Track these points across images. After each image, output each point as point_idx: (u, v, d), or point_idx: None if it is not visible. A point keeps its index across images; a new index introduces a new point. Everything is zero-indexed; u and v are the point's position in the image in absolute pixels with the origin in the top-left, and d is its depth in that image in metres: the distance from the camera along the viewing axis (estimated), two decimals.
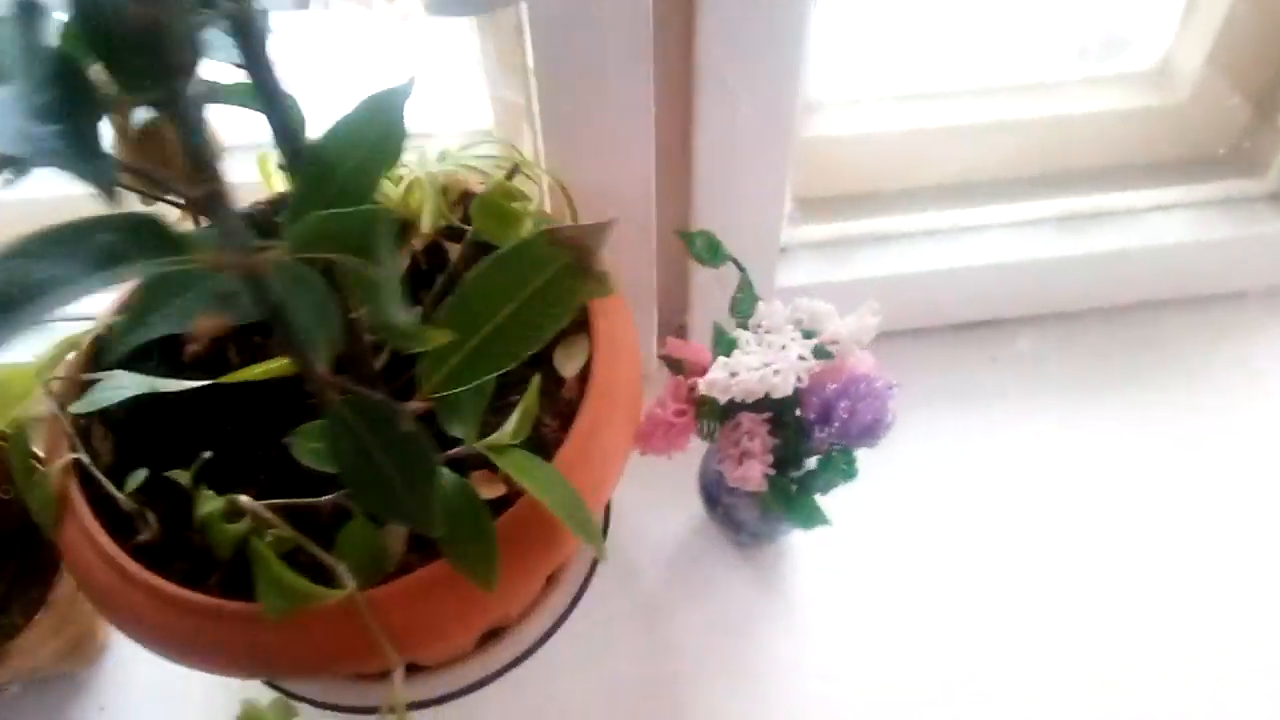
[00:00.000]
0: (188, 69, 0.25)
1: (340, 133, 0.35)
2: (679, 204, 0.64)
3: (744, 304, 0.58)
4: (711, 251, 0.58)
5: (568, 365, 0.51)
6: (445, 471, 0.44)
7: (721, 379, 0.52)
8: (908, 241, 0.74)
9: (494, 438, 0.44)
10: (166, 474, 0.47)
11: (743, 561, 0.68)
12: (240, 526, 0.45)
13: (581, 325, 0.52)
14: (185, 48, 0.25)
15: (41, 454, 0.50)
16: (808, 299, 0.56)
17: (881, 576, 0.67)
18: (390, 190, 0.52)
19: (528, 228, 0.49)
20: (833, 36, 0.68)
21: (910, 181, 0.75)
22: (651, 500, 0.70)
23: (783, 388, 0.52)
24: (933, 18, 0.72)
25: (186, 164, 0.31)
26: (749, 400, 0.53)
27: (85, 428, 0.50)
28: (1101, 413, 0.74)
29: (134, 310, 0.28)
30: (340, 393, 0.32)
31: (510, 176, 0.49)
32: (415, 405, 0.31)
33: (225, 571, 0.46)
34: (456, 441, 0.44)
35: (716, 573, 0.68)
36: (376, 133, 0.36)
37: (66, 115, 0.22)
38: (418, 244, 0.53)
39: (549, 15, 0.51)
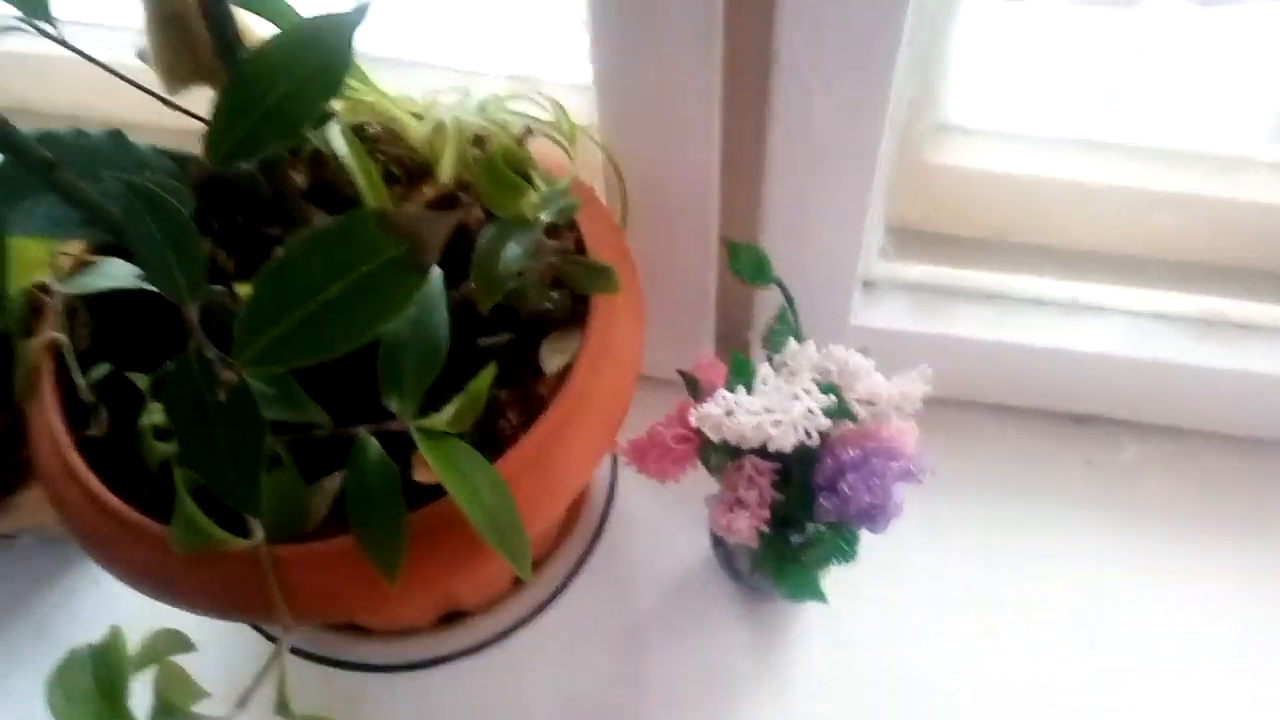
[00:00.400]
0: None
1: (274, 54, 0.32)
2: (746, 208, 0.58)
3: (777, 336, 0.53)
4: (756, 269, 0.53)
5: (552, 360, 0.47)
6: (373, 444, 0.41)
7: (715, 415, 0.47)
8: (1017, 306, 0.65)
9: (428, 420, 0.41)
10: (126, 373, 0.47)
11: (746, 611, 0.62)
12: (169, 447, 0.44)
13: (580, 320, 0.48)
14: None
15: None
16: (843, 348, 0.50)
17: (901, 677, 0.60)
18: (414, 127, 0.49)
19: (532, 201, 0.44)
20: (985, 58, 0.61)
21: (1036, 237, 0.66)
22: (667, 512, 0.65)
23: (780, 442, 0.46)
24: (1111, 61, 0.63)
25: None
26: (744, 446, 0.47)
27: (72, 308, 0.49)
28: (1203, 552, 0.63)
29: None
30: (192, 342, 0.29)
31: (522, 140, 0.45)
32: (228, 375, 0.28)
33: (156, 486, 0.45)
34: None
35: (714, 615, 0.62)
36: (314, 61, 0.32)
37: None
38: (430, 192, 0.50)
39: None
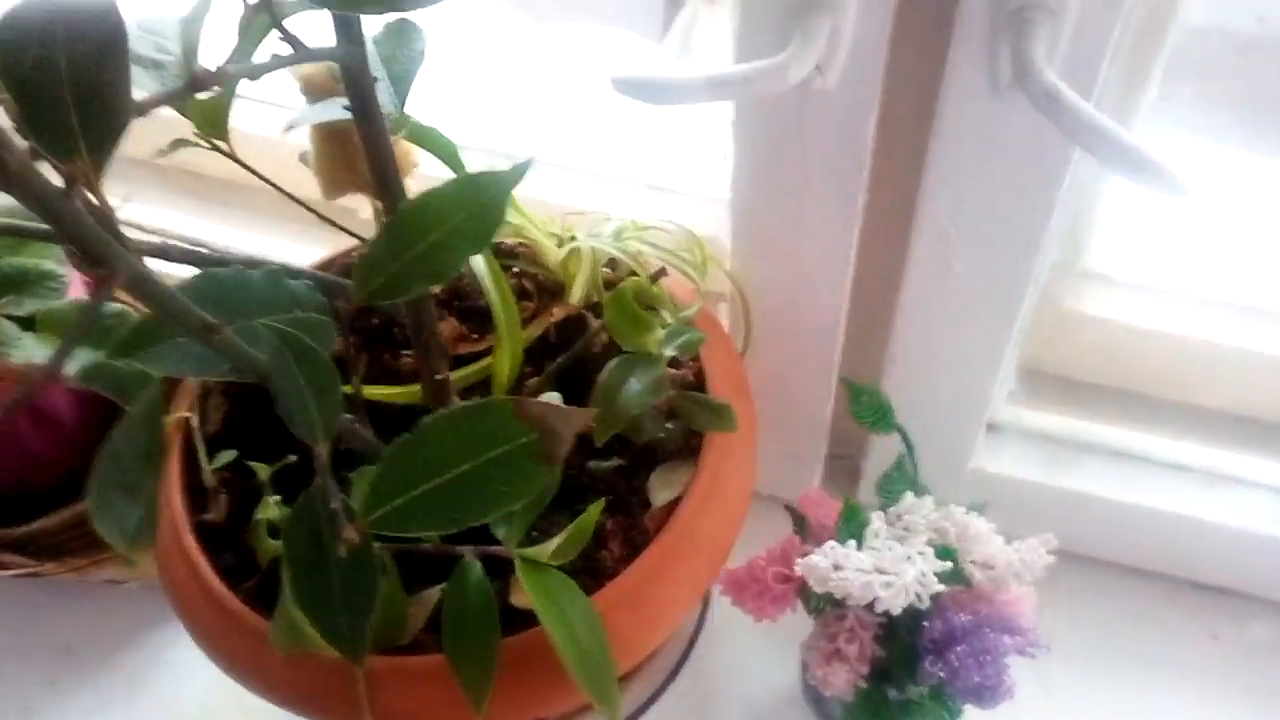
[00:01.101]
0: None
1: (431, 203, 0.33)
2: (870, 347, 0.57)
3: (894, 486, 0.51)
4: (877, 416, 0.51)
5: (661, 493, 0.46)
6: (476, 568, 0.41)
7: (822, 568, 0.45)
8: (1152, 468, 0.62)
9: (532, 550, 0.41)
10: (248, 462, 0.48)
11: None
12: (279, 545, 0.44)
13: (692, 452, 0.47)
14: None
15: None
16: (962, 510, 0.48)
17: None
18: (550, 249, 0.50)
19: (657, 337, 0.44)
20: (1134, 210, 0.58)
21: (1177, 395, 0.63)
22: (760, 637, 0.63)
23: (890, 605, 0.44)
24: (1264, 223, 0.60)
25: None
26: (849, 603, 0.46)
27: (207, 390, 0.51)
28: None
29: (121, 344, 0.27)
30: (319, 482, 0.30)
31: (655, 279, 0.45)
32: (349, 532, 0.28)
33: (261, 579, 0.46)
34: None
35: None
36: (467, 212, 0.33)
37: None
38: (559, 312, 0.50)
39: (758, 113, 0.47)
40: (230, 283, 0.31)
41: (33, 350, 0.58)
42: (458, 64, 0.67)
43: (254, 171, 0.40)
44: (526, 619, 0.42)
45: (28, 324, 0.59)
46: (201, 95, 0.36)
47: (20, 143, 0.21)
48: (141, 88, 0.37)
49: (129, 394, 0.26)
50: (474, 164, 0.47)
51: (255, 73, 0.27)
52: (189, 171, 0.77)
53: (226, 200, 0.76)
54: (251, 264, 0.33)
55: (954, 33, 0.41)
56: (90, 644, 0.68)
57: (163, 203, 0.76)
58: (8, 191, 0.21)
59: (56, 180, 0.23)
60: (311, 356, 0.28)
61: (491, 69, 0.70)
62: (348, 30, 0.29)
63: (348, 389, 0.32)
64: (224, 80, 0.25)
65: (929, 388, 0.57)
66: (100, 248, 0.23)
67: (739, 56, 0.45)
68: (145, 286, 0.25)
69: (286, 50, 0.28)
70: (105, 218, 0.24)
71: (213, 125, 0.38)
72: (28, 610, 0.70)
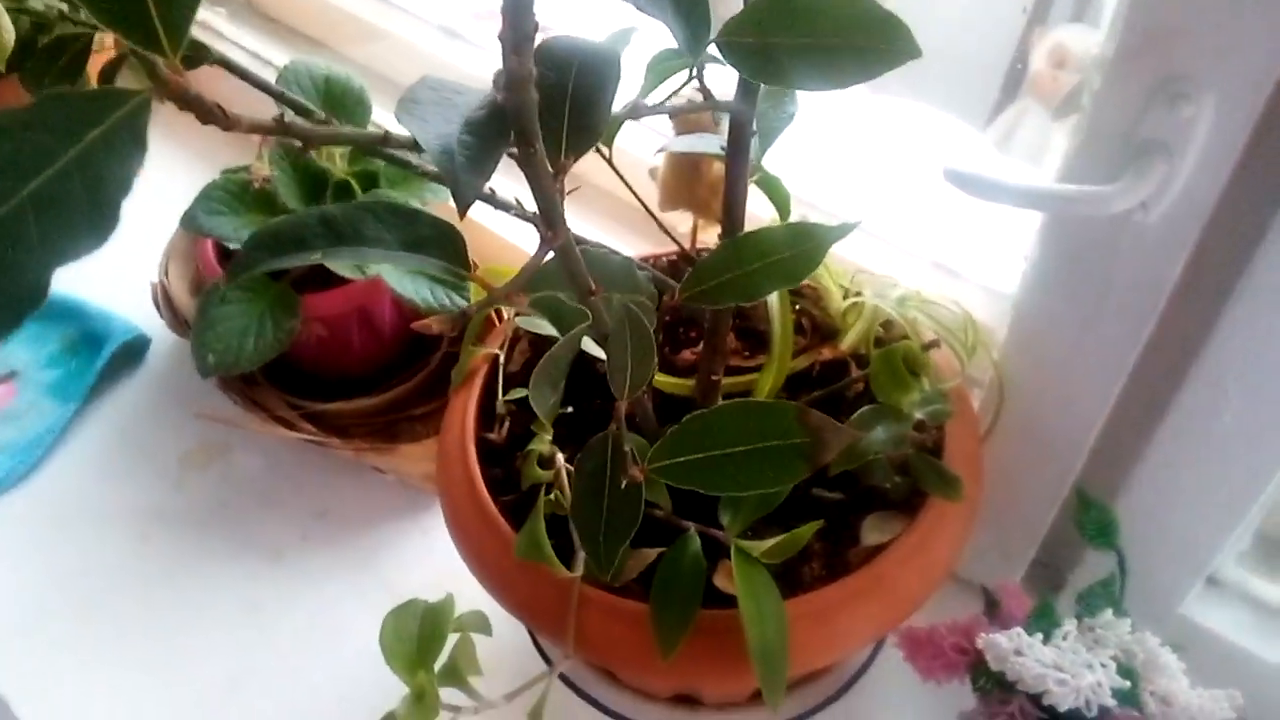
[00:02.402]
0: None
1: (764, 238, 0.39)
2: (1111, 464, 0.59)
3: (1096, 600, 0.53)
4: (1100, 531, 0.53)
5: (871, 535, 0.51)
6: (695, 541, 0.47)
7: (1004, 648, 0.48)
8: None
9: (749, 544, 0.46)
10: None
11: None
12: (544, 474, 0.52)
13: (911, 510, 0.51)
14: None
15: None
16: (1157, 641, 0.49)
17: None
18: (836, 297, 0.55)
19: (912, 399, 0.49)
20: None
21: None
22: (921, 694, 0.65)
23: (1058, 700, 0.47)
24: None
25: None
26: (1019, 687, 0.48)
27: (517, 336, 0.60)
28: None
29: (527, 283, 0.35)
30: (615, 428, 0.37)
31: (927, 348, 0.50)
32: (634, 471, 0.35)
33: (521, 498, 0.54)
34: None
35: None
36: (791, 253, 0.39)
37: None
38: (828, 353, 0.55)
39: (1071, 226, 0.50)
40: (597, 259, 0.39)
41: (384, 268, 0.69)
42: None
43: (625, 181, 0.48)
44: (723, 601, 0.47)
45: None
46: None
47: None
48: None
49: (563, 321, 0.34)
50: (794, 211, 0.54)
51: (676, 111, 0.35)
52: None
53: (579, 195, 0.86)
54: (613, 252, 0.41)
55: None
56: (343, 514, 0.79)
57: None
58: (525, 169, 0.29)
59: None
60: (642, 331, 0.35)
61: (819, 124, 0.76)
62: (747, 92, 0.36)
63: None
64: (651, 114, 0.33)
65: (1160, 524, 0.58)
66: (555, 218, 0.31)
67: (1066, 173, 0.48)
68: (568, 250, 0.33)
69: (694, 94, 0.36)
70: (562, 195, 0.31)
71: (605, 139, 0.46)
72: (304, 472, 0.81)
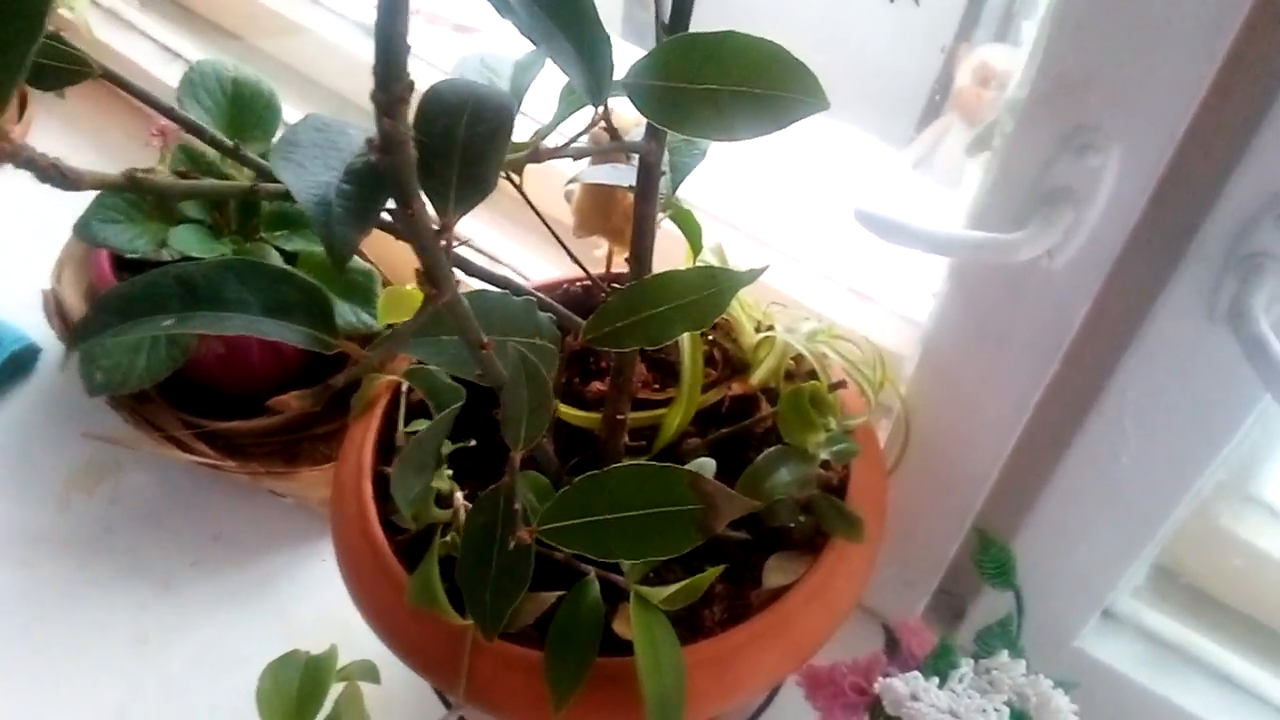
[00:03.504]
0: None
1: (671, 282, 0.38)
2: (1011, 502, 0.59)
3: (992, 640, 0.53)
4: (999, 570, 0.53)
5: (773, 576, 0.50)
6: (594, 587, 0.46)
7: (899, 693, 0.48)
8: (1258, 705, 0.61)
9: (648, 590, 0.45)
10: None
11: None
12: (441, 514, 0.50)
13: (814, 549, 0.51)
14: None
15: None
16: (1051, 685, 0.49)
17: None
18: (747, 333, 0.55)
19: (818, 439, 0.48)
20: None
21: None
22: None
23: None
24: None
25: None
26: None
27: (421, 362, 0.58)
28: None
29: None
30: (509, 480, 0.35)
31: (834, 389, 0.49)
32: (523, 532, 0.33)
33: (414, 537, 0.52)
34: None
35: None
36: (697, 297, 0.38)
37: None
38: (737, 388, 0.55)
39: (979, 267, 0.50)
40: (495, 304, 0.37)
41: None
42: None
43: (534, 208, 0.47)
44: (620, 648, 0.46)
45: (290, 259, 0.68)
46: None
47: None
48: None
49: (440, 401, 0.32)
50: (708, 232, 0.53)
51: (578, 154, 0.33)
52: None
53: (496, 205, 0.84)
54: (516, 291, 0.39)
55: (1186, 254, 0.44)
56: (236, 539, 0.76)
57: None
58: (405, 230, 0.27)
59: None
60: (539, 381, 0.34)
61: (740, 146, 0.75)
62: (655, 133, 0.35)
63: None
64: (554, 157, 0.31)
65: (1057, 559, 0.58)
66: (440, 276, 0.29)
67: (975, 215, 0.48)
68: (455, 307, 0.31)
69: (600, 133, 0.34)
70: (448, 251, 0.30)
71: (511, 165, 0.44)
72: (197, 494, 0.78)
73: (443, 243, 0.29)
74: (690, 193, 0.51)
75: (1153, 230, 0.45)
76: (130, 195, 0.68)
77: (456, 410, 0.32)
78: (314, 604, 0.73)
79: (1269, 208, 0.40)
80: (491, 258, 0.79)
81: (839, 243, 0.72)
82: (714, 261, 0.55)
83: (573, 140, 0.38)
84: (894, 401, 0.60)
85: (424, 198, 0.28)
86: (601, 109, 0.34)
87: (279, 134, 0.36)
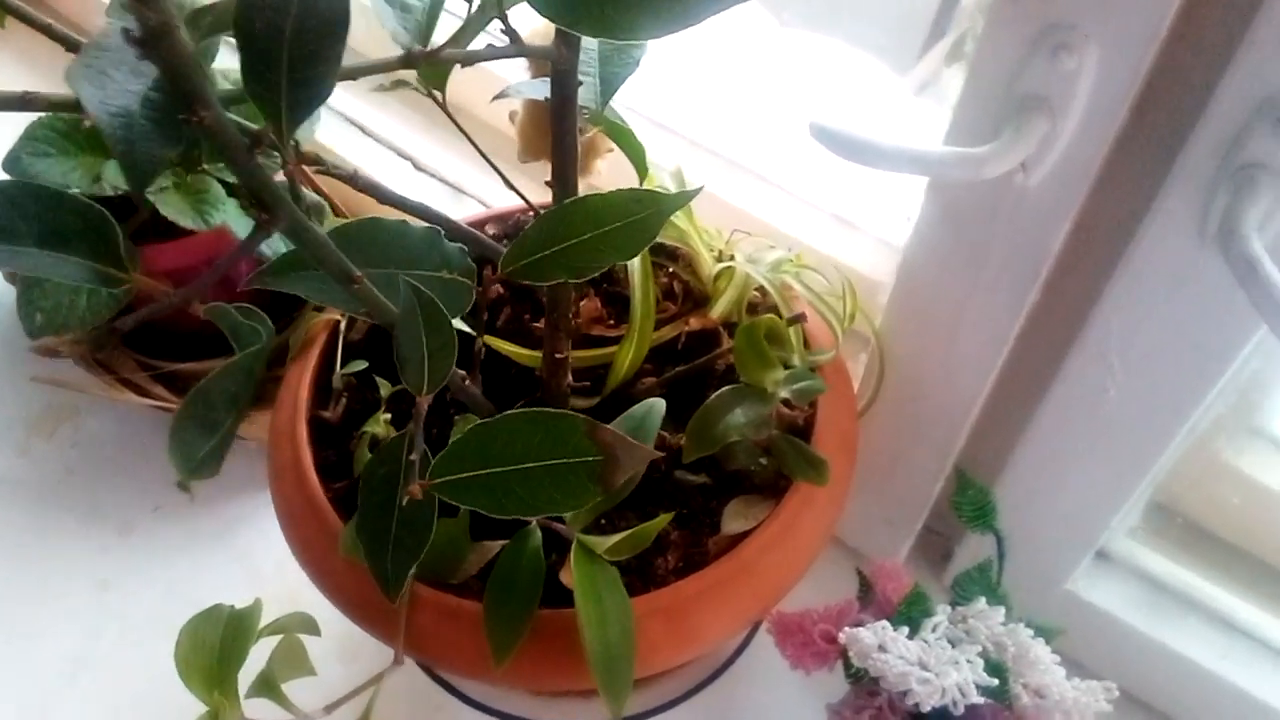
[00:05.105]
0: None
1: (590, 206, 0.34)
2: (994, 442, 0.55)
3: (970, 586, 0.50)
4: (977, 514, 0.50)
5: (732, 522, 0.47)
6: (535, 536, 0.43)
7: (867, 643, 0.45)
8: (1254, 646, 0.58)
9: (591, 539, 0.42)
10: (376, 375, 0.51)
11: None
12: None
13: (777, 493, 0.47)
14: None
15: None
16: (1030, 634, 0.46)
17: None
18: (706, 264, 0.51)
19: (777, 377, 0.44)
20: None
21: None
22: (798, 684, 0.63)
23: (921, 700, 0.44)
24: None
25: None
26: (884, 686, 0.45)
27: None
28: None
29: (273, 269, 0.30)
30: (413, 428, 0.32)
31: (792, 323, 0.45)
32: (414, 487, 0.30)
33: (351, 485, 0.49)
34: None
35: None
36: (621, 223, 0.34)
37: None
38: (695, 323, 0.51)
39: (954, 188, 0.46)
40: (390, 232, 0.33)
41: (231, 216, 0.63)
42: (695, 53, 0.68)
43: (460, 128, 0.43)
44: (567, 599, 0.44)
45: (231, 190, 0.64)
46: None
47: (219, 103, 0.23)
48: (386, 25, 0.38)
49: (240, 340, 0.28)
50: (678, 155, 0.48)
51: (470, 59, 0.29)
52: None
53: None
54: (425, 215, 0.35)
55: (1174, 168, 0.40)
56: (198, 484, 0.73)
57: (401, 114, 0.81)
58: (207, 139, 0.23)
59: None
60: (438, 319, 0.30)
61: (725, 64, 0.70)
62: (566, 36, 0.31)
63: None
64: (439, 61, 0.27)
65: (1045, 500, 0.55)
66: (268, 198, 0.26)
67: (952, 134, 0.44)
68: (300, 234, 0.28)
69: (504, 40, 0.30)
70: (290, 171, 0.26)
71: (434, 79, 0.40)
72: (156, 439, 0.75)
73: (284, 161, 0.25)
74: (673, 118, 0.47)
75: (1136, 142, 0.41)
76: (62, 126, 0.64)
77: (255, 353, 0.28)
78: (277, 549, 0.70)
79: (1264, 112, 0.35)
80: (455, 188, 0.75)
81: (826, 169, 0.68)
82: (672, 187, 0.51)
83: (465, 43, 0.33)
84: (871, 335, 0.56)
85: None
86: (497, 6, 0.30)
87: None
